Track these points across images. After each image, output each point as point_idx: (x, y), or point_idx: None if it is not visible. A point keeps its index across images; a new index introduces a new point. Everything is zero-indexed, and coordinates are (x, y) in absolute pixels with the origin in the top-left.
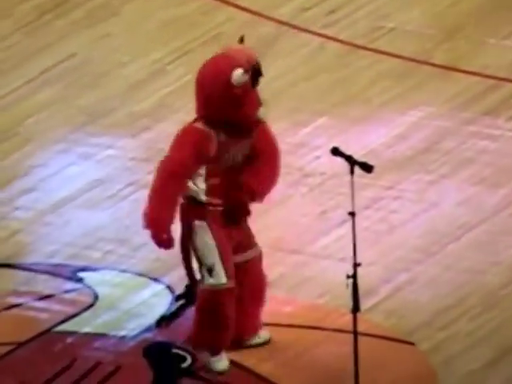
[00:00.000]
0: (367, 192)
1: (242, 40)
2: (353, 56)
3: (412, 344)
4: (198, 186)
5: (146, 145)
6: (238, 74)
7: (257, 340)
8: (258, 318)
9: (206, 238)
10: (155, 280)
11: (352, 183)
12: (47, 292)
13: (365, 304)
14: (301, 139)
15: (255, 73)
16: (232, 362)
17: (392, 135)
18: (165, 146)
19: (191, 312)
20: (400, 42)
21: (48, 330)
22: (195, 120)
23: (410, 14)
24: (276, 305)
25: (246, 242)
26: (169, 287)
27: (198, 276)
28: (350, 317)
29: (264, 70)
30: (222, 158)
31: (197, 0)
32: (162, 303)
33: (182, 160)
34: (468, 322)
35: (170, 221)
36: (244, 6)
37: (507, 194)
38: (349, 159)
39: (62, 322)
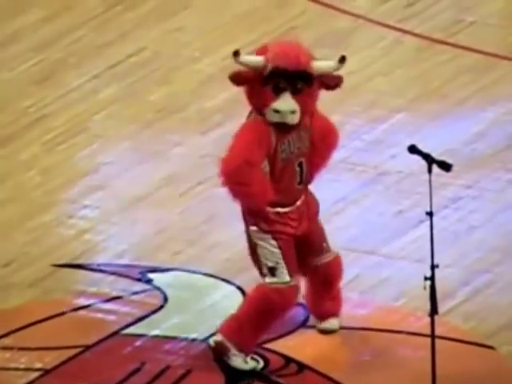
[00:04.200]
0: (445, 191)
1: (342, 60)
2: (431, 50)
3: (492, 348)
4: None
5: (217, 142)
6: (244, 57)
7: (326, 326)
8: (328, 305)
9: (266, 243)
10: (226, 281)
11: (430, 182)
12: (115, 293)
13: (443, 307)
14: (377, 136)
15: (275, 73)
16: (305, 366)
17: (471, 132)
18: None
19: None
20: (480, 37)
21: (116, 333)
22: (251, 112)
23: (490, 7)
24: (351, 307)
25: (317, 245)
26: (240, 288)
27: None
28: (427, 320)
29: None
30: (278, 149)
31: None
32: (233, 305)
33: (247, 156)
34: None
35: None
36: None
37: None
38: (426, 157)
39: (131, 324)
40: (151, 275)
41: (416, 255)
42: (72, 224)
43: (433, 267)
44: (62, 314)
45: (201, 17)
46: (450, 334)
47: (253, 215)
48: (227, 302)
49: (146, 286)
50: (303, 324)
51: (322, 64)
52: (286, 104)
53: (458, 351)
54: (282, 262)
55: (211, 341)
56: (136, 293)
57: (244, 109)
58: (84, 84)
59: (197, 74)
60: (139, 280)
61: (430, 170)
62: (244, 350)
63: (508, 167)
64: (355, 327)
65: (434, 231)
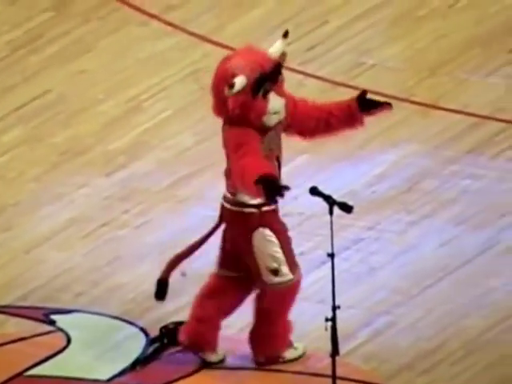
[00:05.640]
0: (347, 233)
1: (286, 34)
2: (333, 93)
3: None
4: None
5: (121, 183)
6: (236, 85)
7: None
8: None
9: (270, 244)
10: (129, 323)
11: (331, 224)
12: (19, 335)
13: (344, 347)
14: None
15: (260, 81)
16: None
17: (372, 174)
18: (140, 184)
19: (166, 355)
20: (381, 79)
21: (19, 374)
22: (226, 123)
23: (391, 51)
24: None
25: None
26: (143, 330)
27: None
28: (328, 360)
29: None
30: (260, 148)
31: (173, 36)
32: (136, 346)
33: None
34: (450, 367)
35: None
36: (221, 43)
37: (490, 234)
38: (328, 199)
39: (35, 365)
40: (54, 317)
41: (318, 296)
42: None
43: (334, 308)
44: None
45: (104, 60)
46: (352, 375)
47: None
48: (130, 343)
49: (50, 328)
50: (206, 365)
51: (277, 48)
52: (278, 102)
53: None
54: (284, 261)
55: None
56: (40, 334)
57: (148, 150)
58: None
59: (101, 116)
60: (43, 321)
61: (331, 212)
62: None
63: (408, 209)
64: (258, 368)
65: (336, 272)
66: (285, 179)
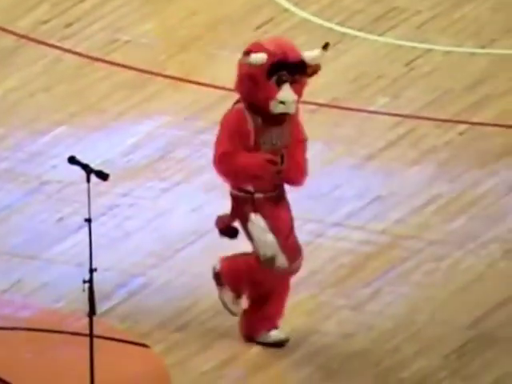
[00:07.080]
0: (103, 199)
1: (326, 47)
2: (89, 68)
3: (146, 346)
4: None
5: None
6: (253, 56)
7: (269, 339)
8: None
9: (262, 231)
10: None
11: (88, 191)
12: None
13: (101, 308)
14: (39, 148)
15: (278, 66)
16: None
17: (127, 144)
18: None
19: None
20: (135, 55)
21: None
22: (237, 101)
23: (144, 27)
24: (13, 309)
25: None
26: None
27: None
28: (86, 320)
29: (2, 81)
30: (259, 141)
31: None
32: None
33: (226, 147)
34: (201, 325)
35: None
36: None
37: None
38: (85, 168)
39: None
40: None
41: (76, 260)
42: None
43: (91, 271)
44: None
45: None
46: (108, 334)
47: (259, 182)
48: None
49: None
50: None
51: (312, 54)
52: (289, 94)
53: (115, 350)
54: (279, 250)
55: (213, 267)
56: None
57: None
58: None
59: None
60: None
61: (88, 180)
62: (236, 292)
63: (161, 176)
64: (19, 328)
65: (93, 237)
66: (44, 149)
